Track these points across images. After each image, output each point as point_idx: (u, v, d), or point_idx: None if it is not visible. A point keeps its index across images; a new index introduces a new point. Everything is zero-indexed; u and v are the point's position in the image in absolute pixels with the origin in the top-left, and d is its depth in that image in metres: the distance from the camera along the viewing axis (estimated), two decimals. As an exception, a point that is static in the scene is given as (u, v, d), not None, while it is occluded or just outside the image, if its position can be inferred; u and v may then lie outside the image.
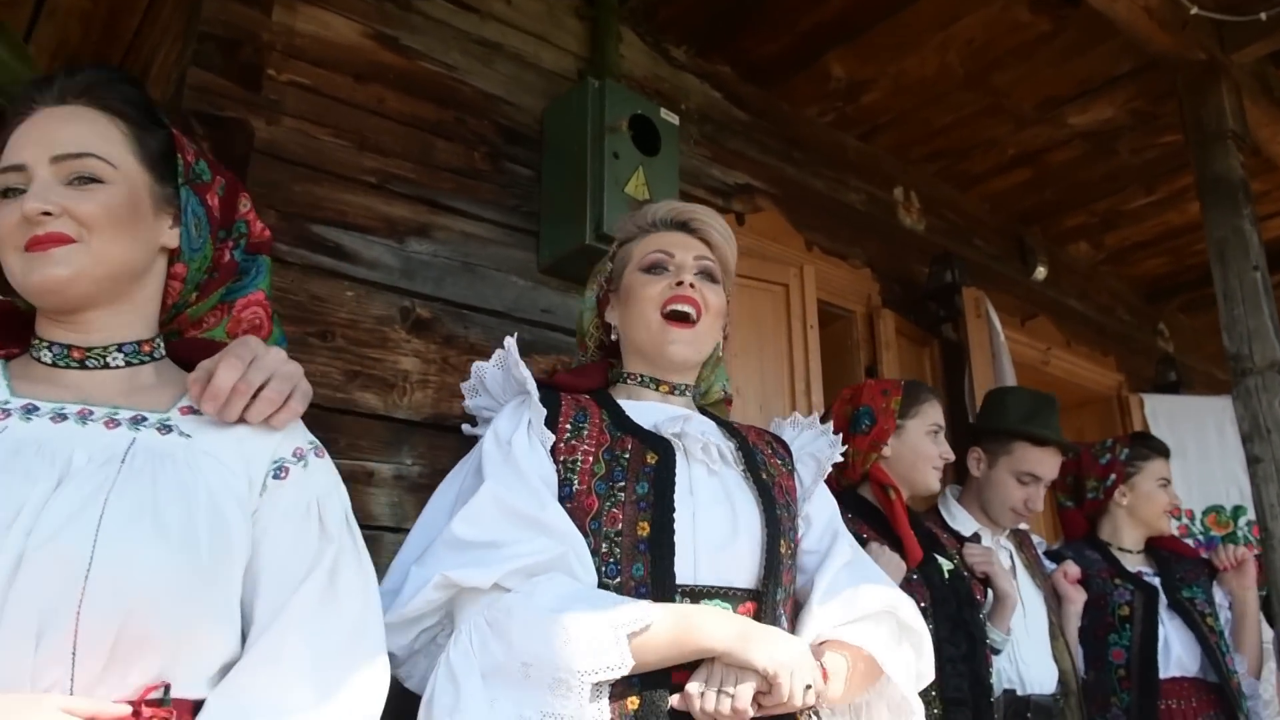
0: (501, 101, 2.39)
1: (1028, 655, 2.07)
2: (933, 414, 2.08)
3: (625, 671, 1.04)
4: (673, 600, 1.14)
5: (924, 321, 3.34)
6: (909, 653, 1.30)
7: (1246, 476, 2.49)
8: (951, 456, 2.07)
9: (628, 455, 1.24)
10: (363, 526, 1.88)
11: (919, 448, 2.05)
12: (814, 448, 1.48)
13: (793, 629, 1.27)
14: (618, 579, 1.16)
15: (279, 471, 1.04)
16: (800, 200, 3.12)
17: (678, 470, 1.24)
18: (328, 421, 1.92)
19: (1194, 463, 4.14)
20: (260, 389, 1.02)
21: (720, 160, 2.91)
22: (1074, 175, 3.73)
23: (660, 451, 1.25)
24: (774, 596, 1.22)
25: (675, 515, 1.18)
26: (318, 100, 2.08)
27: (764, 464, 1.36)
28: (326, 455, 1.11)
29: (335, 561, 1.02)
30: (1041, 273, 4.04)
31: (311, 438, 1.11)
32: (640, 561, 1.16)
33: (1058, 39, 2.93)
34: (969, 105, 3.26)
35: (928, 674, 1.35)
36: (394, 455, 1.98)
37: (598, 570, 1.17)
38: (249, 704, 0.91)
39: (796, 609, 1.32)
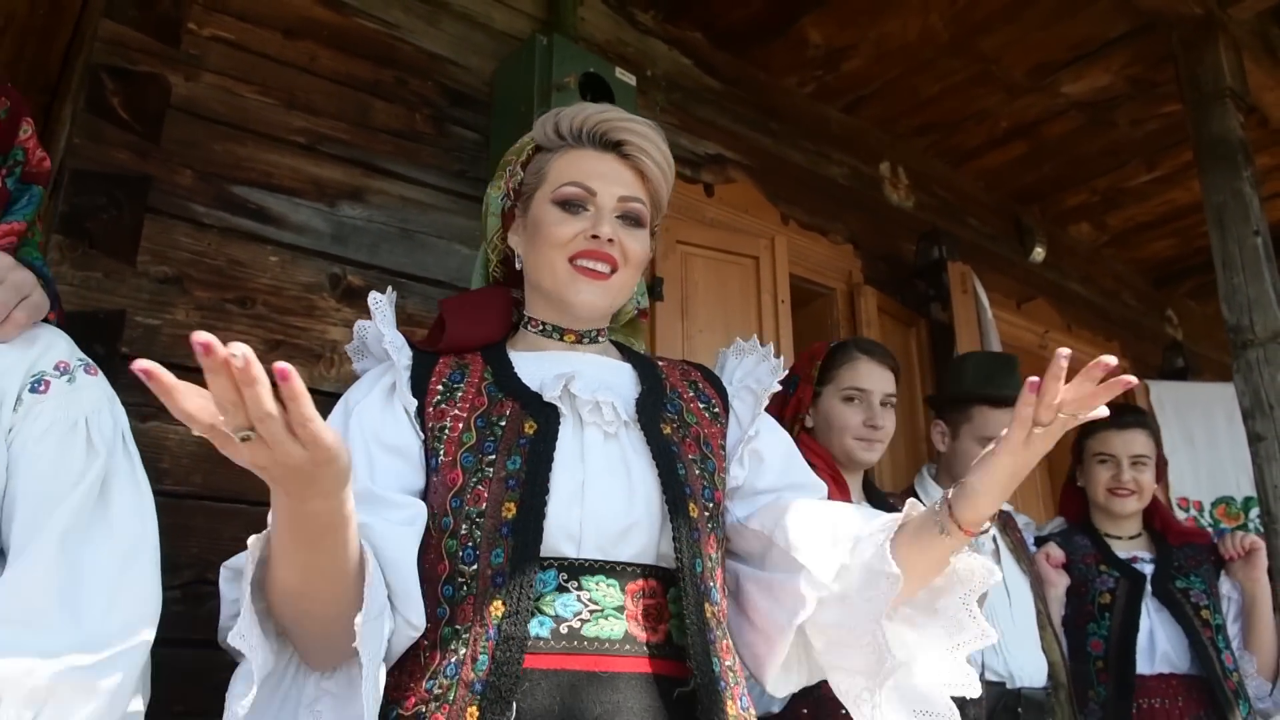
0: (447, 62, 2.27)
1: (1014, 647, 1.90)
2: (849, 376, 1.84)
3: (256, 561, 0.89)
4: (533, 583, 0.97)
5: (911, 301, 3.19)
6: None
7: (1259, 464, 2.29)
8: (879, 424, 1.81)
9: (503, 423, 1.05)
10: (281, 505, 1.77)
11: (832, 415, 1.83)
12: (750, 380, 1.24)
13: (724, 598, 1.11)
14: (474, 565, 0.98)
15: (37, 385, 0.96)
16: (777, 172, 2.98)
17: (567, 437, 1.06)
18: (245, 393, 1.80)
19: (1202, 452, 3.96)
20: None
21: (689, 129, 2.78)
22: (1072, 149, 3.57)
23: (541, 419, 1.05)
24: (694, 569, 1.02)
25: (549, 496, 1.00)
26: (243, 56, 1.96)
27: (676, 413, 1.16)
28: (100, 374, 1.04)
29: (105, 478, 0.94)
30: (1040, 254, 3.87)
31: (82, 355, 1.04)
32: (501, 546, 0.98)
33: (1046, -2, 2.78)
34: (957, 73, 3.11)
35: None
36: (319, 430, 1.86)
37: (455, 556, 1.00)
38: None
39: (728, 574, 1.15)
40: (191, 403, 0.69)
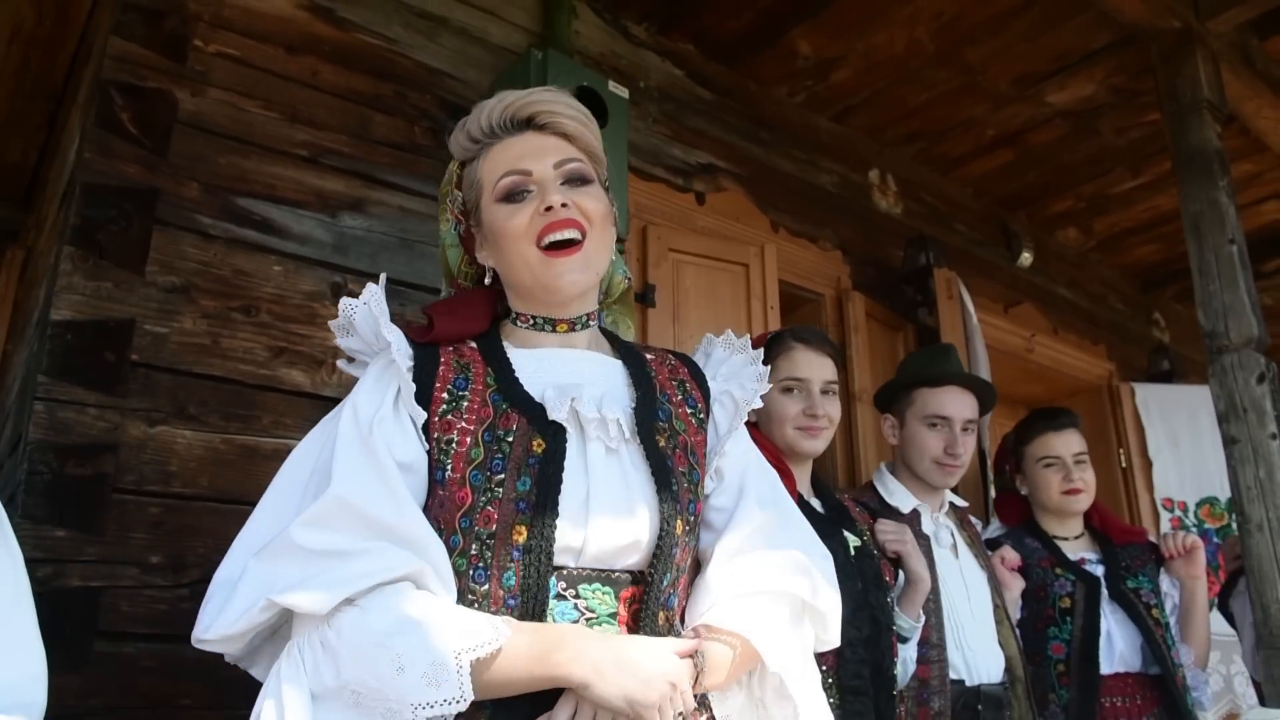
0: (445, 76, 2.33)
1: (974, 641, 1.94)
2: (786, 366, 1.84)
3: (465, 706, 0.89)
4: (545, 603, 1.00)
5: (899, 306, 3.26)
6: (808, 633, 1.15)
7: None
8: (819, 412, 1.81)
9: (511, 439, 1.05)
10: (285, 507, 1.83)
11: (770, 406, 1.82)
12: (734, 384, 1.24)
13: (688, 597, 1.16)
14: (486, 585, 1.01)
15: None
16: (767, 181, 3.05)
17: (572, 452, 1.06)
18: (250, 399, 1.87)
19: (1187, 453, 4.03)
20: None
21: (681, 139, 2.84)
22: (1057, 157, 3.64)
23: (549, 437, 1.06)
24: (661, 583, 1.08)
25: (559, 521, 1.01)
26: (247, 72, 2.03)
27: (667, 421, 1.16)
28: None
29: None
30: (1027, 259, 3.95)
31: None
32: (511, 569, 1.00)
33: (1030, 11, 2.85)
34: (944, 83, 3.18)
35: (831, 641, 1.18)
36: (321, 434, 1.92)
37: (465, 574, 1.01)
38: None
39: (699, 568, 1.18)
40: None
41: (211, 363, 1.83)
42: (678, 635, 1.10)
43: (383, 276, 1.18)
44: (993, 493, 3.22)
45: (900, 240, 3.38)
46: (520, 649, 0.94)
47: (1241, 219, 2.63)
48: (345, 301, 1.14)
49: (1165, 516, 3.96)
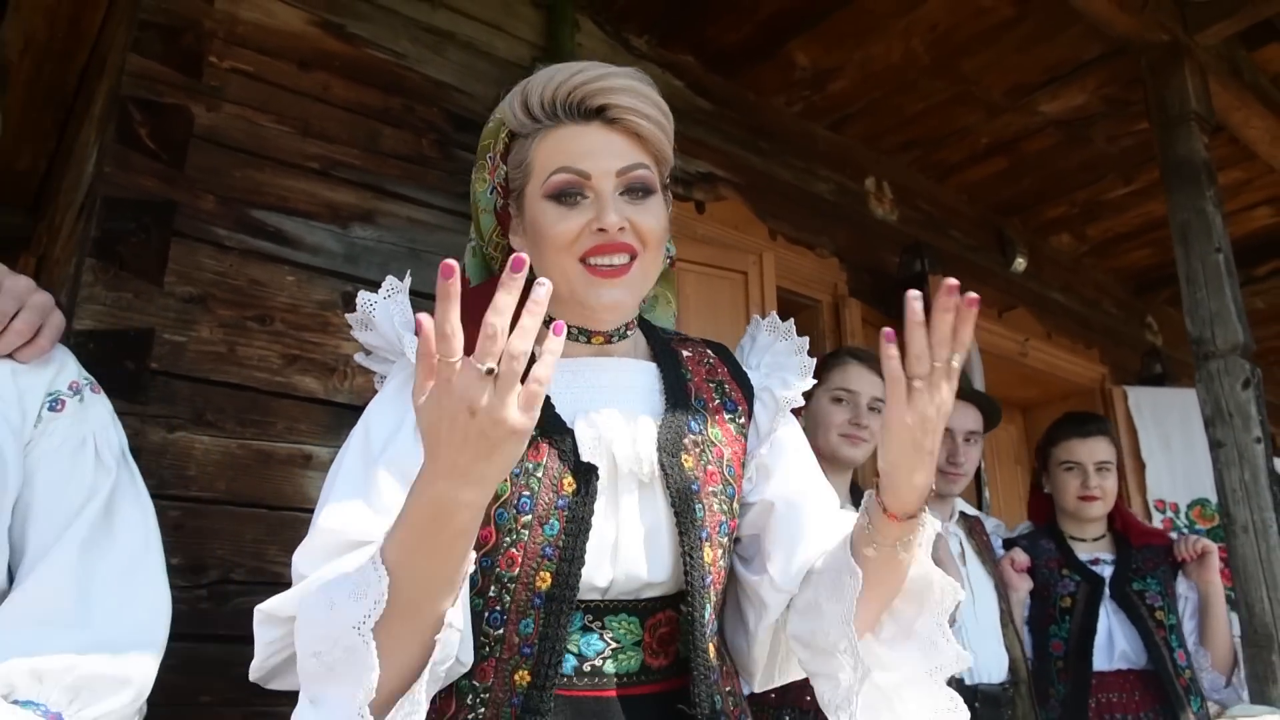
0: (452, 89, 2.39)
1: (976, 643, 2.03)
2: (839, 378, 1.98)
3: (385, 598, 0.78)
4: (561, 652, 0.95)
5: (895, 312, 3.32)
6: None
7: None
8: (864, 423, 1.93)
9: (540, 474, 0.99)
10: (299, 509, 1.90)
11: (818, 413, 1.98)
12: (775, 380, 1.16)
13: (721, 617, 1.10)
14: (500, 630, 0.96)
15: (54, 404, 1.03)
16: (765, 189, 3.11)
17: (601, 495, 1.00)
18: (265, 405, 1.92)
19: (1179, 455, 4.09)
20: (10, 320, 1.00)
21: (681, 149, 2.86)
22: (1051, 164, 3.71)
23: (580, 478, 0.99)
24: (704, 615, 1.01)
25: (584, 568, 0.97)
26: (260, 87, 2.08)
27: (700, 431, 1.08)
28: (102, 392, 1.11)
29: (111, 494, 1.01)
30: (1021, 264, 4.01)
31: (87, 374, 1.11)
32: (531, 617, 0.96)
33: (1022, 24, 2.91)
34: (939, 93, 3.25)
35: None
36: (334, 439, 1.98)
37: (480, 615, 0.96)
38: (16, 637, 0.90)
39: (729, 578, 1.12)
40: (455, 321, 0.72)
41: (228, 370, 1.89)
42: (727, 664, 1.07)
43: (408, 277, 1.12)
44: (987, 494, 3.29)
45: (896, 247, 3.45)
46: (406, 515, 0.81)
47: (1232, 224, 2.70)
48: (364, 296, 1.08)
49: (1157, 518, 4.03)
